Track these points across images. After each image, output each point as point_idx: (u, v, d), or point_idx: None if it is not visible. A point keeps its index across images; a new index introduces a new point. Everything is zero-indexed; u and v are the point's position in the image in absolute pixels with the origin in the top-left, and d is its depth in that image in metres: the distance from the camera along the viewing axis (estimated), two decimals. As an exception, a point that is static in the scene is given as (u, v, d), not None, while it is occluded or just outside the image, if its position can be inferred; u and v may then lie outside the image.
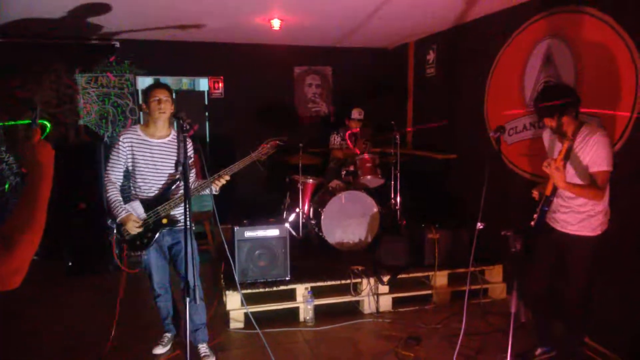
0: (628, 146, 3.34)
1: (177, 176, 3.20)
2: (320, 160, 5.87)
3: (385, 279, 4.30)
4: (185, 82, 8.05)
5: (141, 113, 6.11)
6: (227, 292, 3.99)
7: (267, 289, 4.08)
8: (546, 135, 3.18)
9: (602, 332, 3.54)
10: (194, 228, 3.37)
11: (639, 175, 3.28)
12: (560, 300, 2.96)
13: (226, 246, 3.26)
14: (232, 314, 3.99)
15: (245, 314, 3.98)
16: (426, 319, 4.13)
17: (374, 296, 4.29)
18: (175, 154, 3.23)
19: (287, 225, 4.31)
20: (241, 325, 3.99)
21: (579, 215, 2.89)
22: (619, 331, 3.42)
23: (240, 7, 4.33)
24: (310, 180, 5.50)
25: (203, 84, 7.34)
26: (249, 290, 4.03)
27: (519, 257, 2.42)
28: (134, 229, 3.10)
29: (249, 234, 4.11)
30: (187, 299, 2.49)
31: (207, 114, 6.41)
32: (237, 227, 4.08)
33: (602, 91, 3.52)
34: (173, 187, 3.21)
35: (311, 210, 5.44)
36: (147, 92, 3.17)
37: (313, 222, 5.29)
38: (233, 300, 4.00)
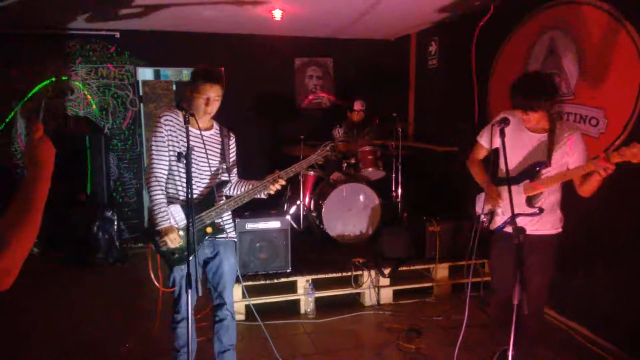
0: (631, 140, 3.30)
1: (223, 177, 2.80)
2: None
3: (387, 271, 4.30)
4: (185, 74, 8.02)
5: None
6: (228, 284, 3.98)
7: (268, 281, 4.08)
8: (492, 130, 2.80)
9: (599, 322, 3.55)
10: (236, 240, 3.00)
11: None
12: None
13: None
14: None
15: (247, 306, 3.98)
16: (427, 311, 4.13)
17: (375, 288, 4.29)
18: (220, 150, 2.76)
19: (288, 217, 4.30)
20: (242, 317, 3.99)
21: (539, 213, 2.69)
22: (616, 322, 3.42)
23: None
24: (311, 172, 5.48)
25: (203, 75, 7.31)
26: (250, 283, 4.02)
27: (522, 249, 2.40)
28: (174, 242, 2.59)
29: (250, 226, 4.10)
30: (189, 291, 2.39)
31: (207, 105, 6.36)
32: (238, 219, 4.07)
33: (606, 84, 3.49)
34: (219, 190, 2.74)
35: (312, 202, 5.43)
36: (196, 83, 2.59)
37: (314, 214, 5.28)
38: (234, 293, 3.98)
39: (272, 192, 2.73)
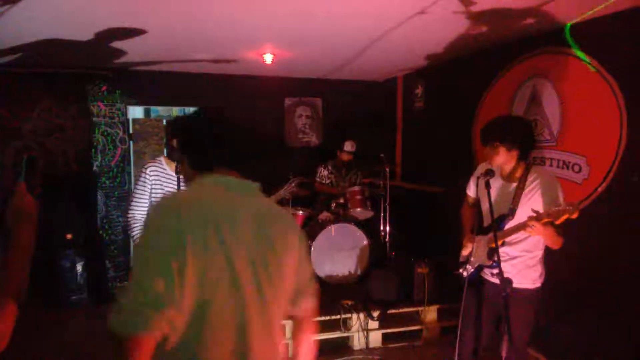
0: (613, 186, 3.41)
1: None
2: (309, 191, 5.88)
3: (375, 314, 4.28)
4: (175, 110, 8.08)
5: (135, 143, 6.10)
6: (216, 328, 3.93)
7: (256, 325, 4.03)
8: (478, 181, 2.80)
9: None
10: None
11: (622, 217, 3.35)
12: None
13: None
14: (220, 351, 3.92)
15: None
16: (416, 355, 4.11)
17: (364, 332, 4.26)
18: None
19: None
20: (229, 362, 3.93)
21: (518, 265, 2.70)
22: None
23: (233, 43, 4.39)
24: (300, 212, 5.49)
25: (193, 113, 7.37)
26: (238, 326, 3.97)
27: (509, 301, 2.42)
28: None
29: (238, 268, 4.07)
30: None
31: (197, 143, 6.40)
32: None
33: (588, 131, 3.61)
34: None
35: (301, 242, 5.42)
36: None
37: (302, 254, 5.27)
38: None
39: None
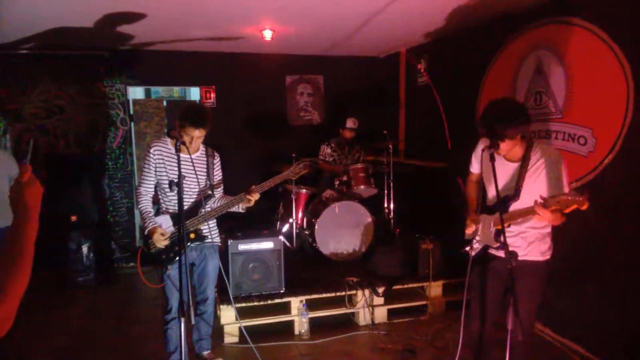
0: (619, 158, 3.36)
1: (208, 192, 3.21)
2: (313, 169, 5.85)
3: (380, 290, 4.29)
4: (176, 90, 8.01)
5: (131, 123, 6.07)
6: (221, 307, 3.96)
7: (261, 303, 4.06)
8: (482, 155, 2.65)
9: (593, 340, 3.57)
10: (220, 243, 3.40)
11: (628, 190, 3.31)
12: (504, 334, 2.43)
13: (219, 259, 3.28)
14: (226, 329, 3.96)
15: (240, 328, 3.95)
16: (421, 330, 4.12)
17: (369, 308, 4.28)
18: (206, 170, 3.21)
19: (281, 237, 4.28)
20: (236, 339, 3.96)
21: (528, 237, 2.68)
22: (610, 339, 3.44)
23: (232, 19, 4.32)
24: (304, 190, 5.48)
25: (194, 92, 7.31)
26: (243, 304, 4.00)
27: (514, 274, 2.41)
28: (160, 241, 3.02)
29: (242, 247, 4.08)
30: (182, 320, 2.43)
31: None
32: (230, 240, 4.05)
33: (593, 103, 3.54)
34: (203, 203, 3.15)
35: (305, 220, 5.42)
36: (184, 124, 2.95)
37: (307, 232, 5.28)
38: (227, 315, 3.97)
39: (250, 204, 3.11)
